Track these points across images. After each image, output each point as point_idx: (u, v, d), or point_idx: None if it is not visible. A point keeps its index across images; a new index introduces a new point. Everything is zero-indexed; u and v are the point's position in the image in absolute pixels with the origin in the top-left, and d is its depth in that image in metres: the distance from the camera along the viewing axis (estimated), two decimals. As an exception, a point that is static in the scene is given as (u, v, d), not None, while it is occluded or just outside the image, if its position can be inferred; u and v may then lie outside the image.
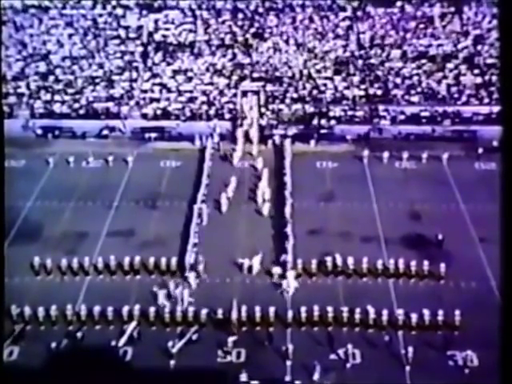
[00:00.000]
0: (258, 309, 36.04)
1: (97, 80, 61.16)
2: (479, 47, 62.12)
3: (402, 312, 36.18)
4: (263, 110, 58.46)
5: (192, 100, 59.47)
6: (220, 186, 48.21)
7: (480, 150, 52.09)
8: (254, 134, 54.53)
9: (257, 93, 59.71)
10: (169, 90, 60.25)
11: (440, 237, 41.20)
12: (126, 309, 36.49)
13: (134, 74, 61.41)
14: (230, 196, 46.95)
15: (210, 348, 34.60)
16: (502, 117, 29.68)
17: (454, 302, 36.64)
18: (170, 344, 34.17)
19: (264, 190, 47.18)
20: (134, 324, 35.92)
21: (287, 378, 32.70)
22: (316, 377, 32.47)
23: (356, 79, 60.54)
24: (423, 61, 61.69)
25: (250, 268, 39.98)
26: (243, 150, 53.29)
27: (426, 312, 35.78)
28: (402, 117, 57.43)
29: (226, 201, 46.56)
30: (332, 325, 36.02)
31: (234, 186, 48.07)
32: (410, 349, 33.52)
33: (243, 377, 32.55)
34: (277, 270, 39.70)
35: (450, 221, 44.38)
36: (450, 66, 61.18)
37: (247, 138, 54.64)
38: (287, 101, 58.95)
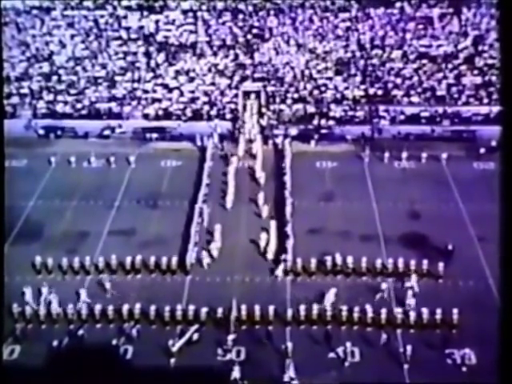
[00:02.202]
0: (257, 307, 36.21)
1: (99, 80, 61.37)
2: (479, 48, 62.16)
3: (400, 310, 36.33)
4: (264, 110, 58.64)
5: (194, 100, 59.67)
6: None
7: (479, 150, 52.27)
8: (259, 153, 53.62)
9: (258, 93, 59.88)
10: (170, 91, 60.47)
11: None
12: (126, 307, 36.68)
13: (136, 75, 61.53)
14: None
15: (210, 346, 34.79)
16: (502, 117, 29.83)
17: (453, 300, 36.81)
18: (170, 342, 34.31)
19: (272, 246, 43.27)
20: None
21: (286, 376, 32.74)
22: (290, 374, 32.65)
23: (357, 79, 60.65)
24: (423, 61, 61.79)
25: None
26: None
27: (425, 311, 35.92)
28: (402, 117, 57.62)
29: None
30: (331, 323, 36.24)
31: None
32: (409, 347, 33.61)
33: (236, 371, 32.75)
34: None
35: (449, 220, 44.49)
36: (449, 66, 61.31)
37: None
38: (288, 101, 59.10)
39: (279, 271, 40.11)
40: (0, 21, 63.58)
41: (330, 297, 37.19)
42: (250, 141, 54.77)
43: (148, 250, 41.60)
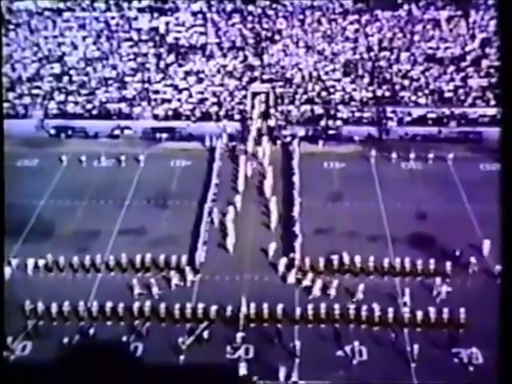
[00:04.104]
0: (266, 306, 36.52)
1: (110, 81, 61.84)
2: (486, 50, 62.38)
3: (407, 310, 36.58)
4: (272, 111, 59.00)
5: (203, 101, 60.09)
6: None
7: (485, 151, 52.05)
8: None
9: (266, 94, 60.26)
10: (180, 91, 60.91)
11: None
12: (136, 305, 37.08)
13: (146, 76, 62.01)
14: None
15: (219, 344, 35.08)
16: (501, 117, 29.99)
17: (460, 300, 37.04)
18: (180, 340, 34.68)
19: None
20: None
21: (294, 374, 33.03)
22: (282, 375, 32.77)
23: (365, 81, 60.96)
24: (431, 63, 62.08)
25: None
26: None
27: (432, 310, 36.17)
28: (409, 118, 57.91)
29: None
30: (339, 322, 36.48)
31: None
32: (416, 346, 33.84)
33: (242, 367, 33.15)
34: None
35: (456, 221, 44.64)
36: (457, 68, 61.62)
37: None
38: (296, 102, 59.46)
39: (291, 278, 40.16)
40: (1, 21, 64.35)
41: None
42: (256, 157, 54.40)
43: (158, 248, 41.86)
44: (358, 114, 58.41)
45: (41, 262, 40.73)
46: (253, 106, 59.19)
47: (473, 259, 39.85)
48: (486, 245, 40.86)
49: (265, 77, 61.84)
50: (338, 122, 57.54)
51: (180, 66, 63.13)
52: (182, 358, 34.43)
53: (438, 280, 38.66)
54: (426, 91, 59.81)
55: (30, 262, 40.60)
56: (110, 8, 67.11)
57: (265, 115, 58.37)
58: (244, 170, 50.73)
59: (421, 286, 39.17)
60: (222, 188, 49.25)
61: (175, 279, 39.57)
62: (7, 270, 39.10)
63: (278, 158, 53.72)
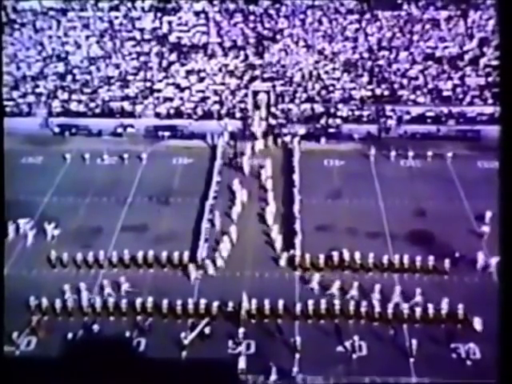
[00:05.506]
0: (267, 301, 36.93)
1: (112, 80, 62.25)
2: (484, 49, 62.79)
3: (406, 306, 36.95)
4: (273, 109, 59.42)
5: (204, 99, 60.54)
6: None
7: (483, 149, 52.36)
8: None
9: (267, 92, 60.68)
10: (182, 90, 61.38)
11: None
12: (139, 301, 37.53)
13: (149, 75, 62.48)
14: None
15: (221, 339, 35.47)
16: (500, 115, 30.42)
17: (458, 296, 37.37)
18: (182, 335, 35.03)
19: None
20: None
21: (295, 369, 33.40)
22: (273, 378, 33.08)
23: (364, 80, 61.39)
24: (429, 62, 62.52)
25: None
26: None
27: (430, 306, 36.55)
28: (408, 117, 58.29)
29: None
30: (338, 317, 36.94)
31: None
32: (415, 341, 34.23)
33: (241, 361, 33.64)
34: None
35: (454, 218, 45.01)
36: (455, 67, 62.10)
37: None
38: (296, 101, 59.92)
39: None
40: (0, 20, 64.81)
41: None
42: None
43: (160, 245, 42.23)
44: (357, 113, 58.77)
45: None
46: (254, 105, 59.37)
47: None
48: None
49: (265, 75, 62.23)
50: (338, 121, 57.95)
51: (182, 64, 63.52)
52: (184, 353, 34.78)
53: (481, 254, 39.55)
54: (425, 90, 60.19)
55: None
56: (117, 7, 67.44)
57: (266, 133, 57.57)
58: (240, 196, 48.48)
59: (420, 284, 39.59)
60: (223, 186, 49.65)
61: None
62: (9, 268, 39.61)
63: (279, 156, 54.07)
